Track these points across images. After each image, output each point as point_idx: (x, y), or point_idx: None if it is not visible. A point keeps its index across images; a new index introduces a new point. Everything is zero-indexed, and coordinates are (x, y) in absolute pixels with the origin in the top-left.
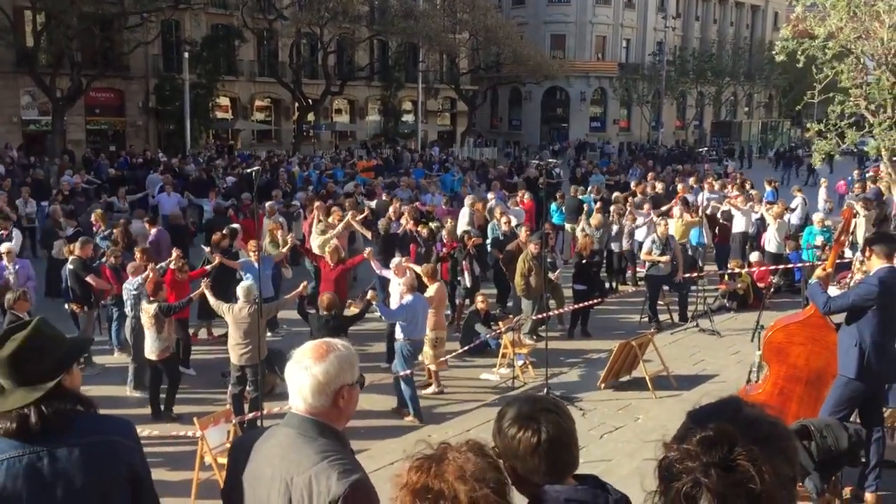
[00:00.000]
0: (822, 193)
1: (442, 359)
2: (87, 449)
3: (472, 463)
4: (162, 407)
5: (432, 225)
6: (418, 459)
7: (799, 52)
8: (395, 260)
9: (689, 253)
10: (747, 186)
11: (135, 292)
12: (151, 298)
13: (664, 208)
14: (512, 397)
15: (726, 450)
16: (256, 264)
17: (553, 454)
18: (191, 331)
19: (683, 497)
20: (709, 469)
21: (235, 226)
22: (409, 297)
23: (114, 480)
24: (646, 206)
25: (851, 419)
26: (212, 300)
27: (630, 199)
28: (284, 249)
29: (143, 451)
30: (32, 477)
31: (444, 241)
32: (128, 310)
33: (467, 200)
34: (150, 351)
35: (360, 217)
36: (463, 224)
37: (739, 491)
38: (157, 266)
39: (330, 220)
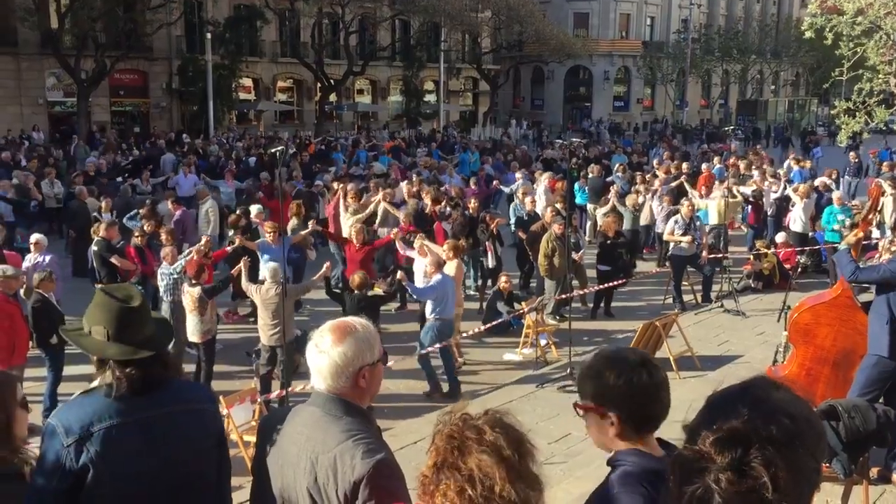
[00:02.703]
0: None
1: (462, 333)
2: (184, 416)
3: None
4: None
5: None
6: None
7: (827, 29)
8: (416, 241)
9: (722, 236)
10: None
11: (175, 276)
12: (194, 281)
13: (673, 184)
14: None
15: (740, 452)
16: (273, 245)
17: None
18: (222, 311)
19: (696, 502)
20: (720, 474)
21: (256, 206)
22: (437, 276)
23: (207, 445)
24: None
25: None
26: (244, 281)
27: (649, 178)
28: (304, 232)
29: (218, 411)
30: (135, 442)
31: (402, 223)
32: (166, 294)
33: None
34: (193, 333)
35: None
36: (540, 205)
37: (752, 498)
38: (187, 251)
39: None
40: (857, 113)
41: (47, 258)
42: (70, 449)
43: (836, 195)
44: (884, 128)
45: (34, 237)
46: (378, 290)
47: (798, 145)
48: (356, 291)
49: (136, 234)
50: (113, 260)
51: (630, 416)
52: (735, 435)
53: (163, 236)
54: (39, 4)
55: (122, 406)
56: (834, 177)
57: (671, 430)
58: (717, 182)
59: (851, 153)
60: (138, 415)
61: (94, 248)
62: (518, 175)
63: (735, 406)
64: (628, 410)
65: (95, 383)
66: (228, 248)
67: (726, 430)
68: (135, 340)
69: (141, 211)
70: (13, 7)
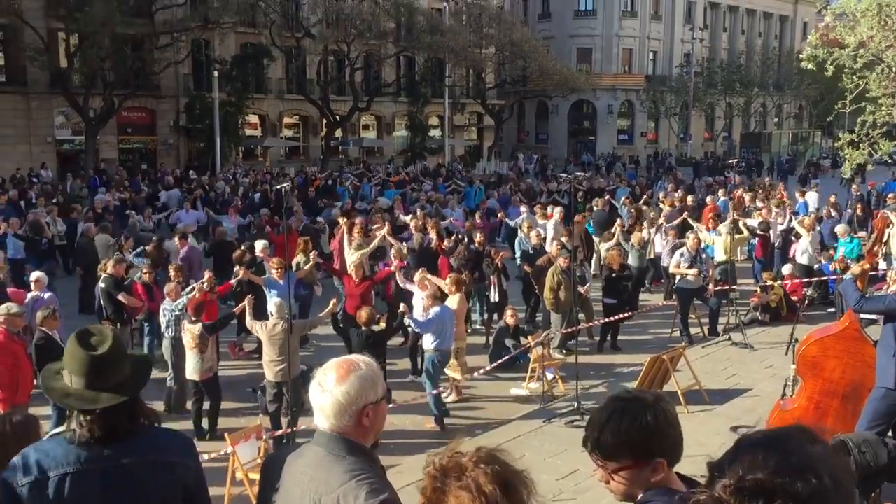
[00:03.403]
0: (812, 197)
1: (463, 368)
2: (149, 469)
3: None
4: (206, 427)
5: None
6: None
7: (828, 62)
8: (417, 274)
9: (728, 272)
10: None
11: (177, 313)
12: (194, 318)
13: (676, 221)
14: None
15: None
16: (280, 281)
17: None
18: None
19: None
20: None
21: (262, 242)
22: (436, 309)
23: (171, 501)
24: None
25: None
26: (248, 319)
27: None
28: (306, 268)
29: (200, 468)
30: (91, 492)
31: (393, 258)
32: (167, 331)
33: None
34: (193, 371)
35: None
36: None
37: None
38: (190, 288)
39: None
40: (860, 145)
41: (46, 295)
42: (24, 489)
43: (840, 228)
44: (888, 159)
45: (34, 275)
46: (382, 325)
47: (796, 178)
48: (363, 327)
49: (144, 270)
50: (120, 297)
51: (674, 458)
52: (758, 488)
53: (171, 273)
54: (49, 44)
55: (84, 453)
56: (831, 205)
57: (681, 465)
58: (722, 215)
59: (853, 186)
60: (98, 464)
61: (101, 285)
62: (523, 209)
63: (765, 454)
64: (670, 451)
65: (62, 428)
66: (233, 282)
67: (750, 482)
68: (104, 386)
69: (147, 248)
70: (23, 47)
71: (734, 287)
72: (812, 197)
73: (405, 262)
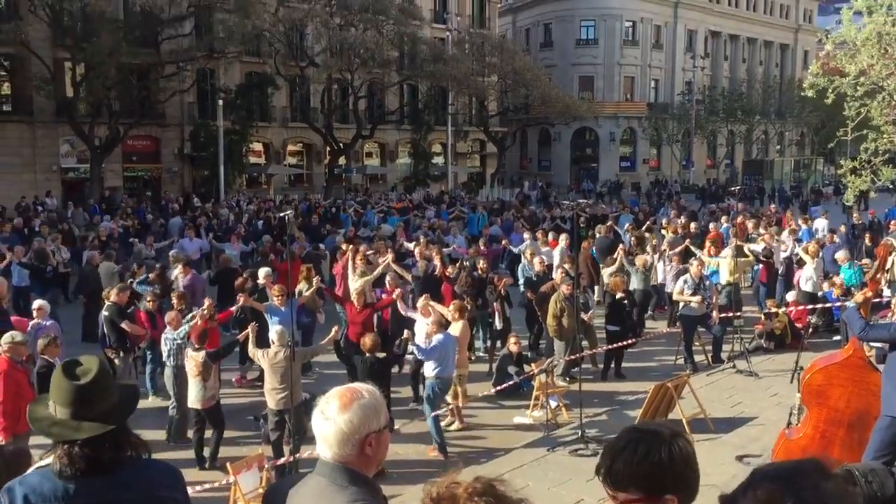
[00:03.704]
0: (821, 223)
1: (463, 395)
2: (135, 503)
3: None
4: (207, 457)
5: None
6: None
7: (829, 90)
8: (420, 301)
9: (733, 294)
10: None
11: (179, 342)
12: (197, 346)
13: (679, 248)
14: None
15: None
16: (282, 308)
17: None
18: (230, 376)
19: None
20: None
21: (265, 269)
22: (439, 336)
23: None
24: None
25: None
26: (250, 347)
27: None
28: (307, 293)
29: (188, 501)
30: None
31: (388, 286)
32: (168, 360)
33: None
34: (196, 400)
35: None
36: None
37: None
38: (190, 315)
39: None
40: (862, 172)
41: (48, 323)
42: None
43: (840, 254)
44: (890, 186)
45: (37, 303)
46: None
47: (797, 205)
48: (367, 354)
49: (148, 298)
50: (123, 325)
51: (687, 497)
52: None
53: (174, 300)
54: (55, 74)
55: (72, 487)
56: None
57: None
58: (725, 242)
59: (855, 214)
60: (83, 499)
61: (105, 313)
62: (526, 236)
63: (778, 489)
64: (684, 488)
65: (49, 460)
66: (233, 309)
67: None
68: (88, 416)
69: (150, 276)
70: (29, 77)
71: (738, 314)
72: (821, 223)
73: (403, 290)
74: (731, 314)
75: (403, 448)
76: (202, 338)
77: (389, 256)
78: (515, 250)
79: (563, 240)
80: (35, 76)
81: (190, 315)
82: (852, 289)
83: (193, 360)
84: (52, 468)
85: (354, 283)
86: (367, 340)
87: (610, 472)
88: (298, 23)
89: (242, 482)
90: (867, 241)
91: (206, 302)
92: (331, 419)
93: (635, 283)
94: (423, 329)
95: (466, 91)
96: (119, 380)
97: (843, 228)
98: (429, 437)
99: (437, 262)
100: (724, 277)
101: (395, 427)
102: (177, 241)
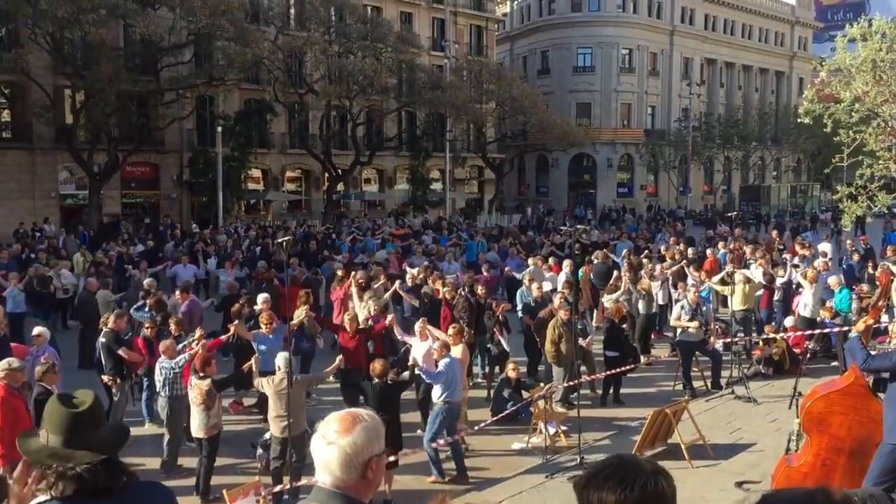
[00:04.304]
0: (825, 247)
1: (463, 419)
2: None
3: None
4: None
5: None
6: None
7: (825, 117)
8: (418, 325)
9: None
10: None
11: (177, 370)
12: (202, 374)
13: (675, 268)
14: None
15: None
16: (270, 336)
17: None
18: (226, 402)
19: None
20: None
21: (263, 295)
22: (446, 359)
23: None
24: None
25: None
26: (255, 378)
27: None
28: (296, 321)
29: None
30: None
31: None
32: (163, 389)
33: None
34: (199, 428)
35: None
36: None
37: None
38: (182, 344)
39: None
40: (858, 198)
41: (46, 350)
42: None
43: (832, 279)
44: (886, 211)
45: (36, 330)
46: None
47: (789, 230)
48: (376, 380)
49: (147, 325)
50: (120, 352)
51: None
52: None
53: (171, 327)
54: (55, 101)
55: None
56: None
57: None
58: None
59: (848, 241)
60: None
61: (102, 339)
62: (530, 261)
63: None
64: None
65: (47, 496)
66: (223, 338)
67: None
68: (81, 444)
69: (148, 302)
70: (29, 104)
71: (737, 340)
72: (826, 247)
73: (389, 316)
74: (727, 340)
75: (402, 476)
76: (206, 364)
77: (397, 284)
78: (518, 276)
79: (567, 265)
80: (35, 103)
81: (181, 344)
82: (846, 314)
83: (198, 388)
84: (51, 495)
85: (363, 310)
86: (377, 366)
87: (582, 491)
88: (297, 50)
89: None
90: (869, 268)
91: (198, 332)
92: (333, 443)
93: (641, 308)
94: (420, 353)
95: (464, 118)
96: (116, 407)
97: (849, 245)
98: (427, 467)
99: (437, 286)
100: (738, 304)
101: (404, 451)
102: (170, 266)
